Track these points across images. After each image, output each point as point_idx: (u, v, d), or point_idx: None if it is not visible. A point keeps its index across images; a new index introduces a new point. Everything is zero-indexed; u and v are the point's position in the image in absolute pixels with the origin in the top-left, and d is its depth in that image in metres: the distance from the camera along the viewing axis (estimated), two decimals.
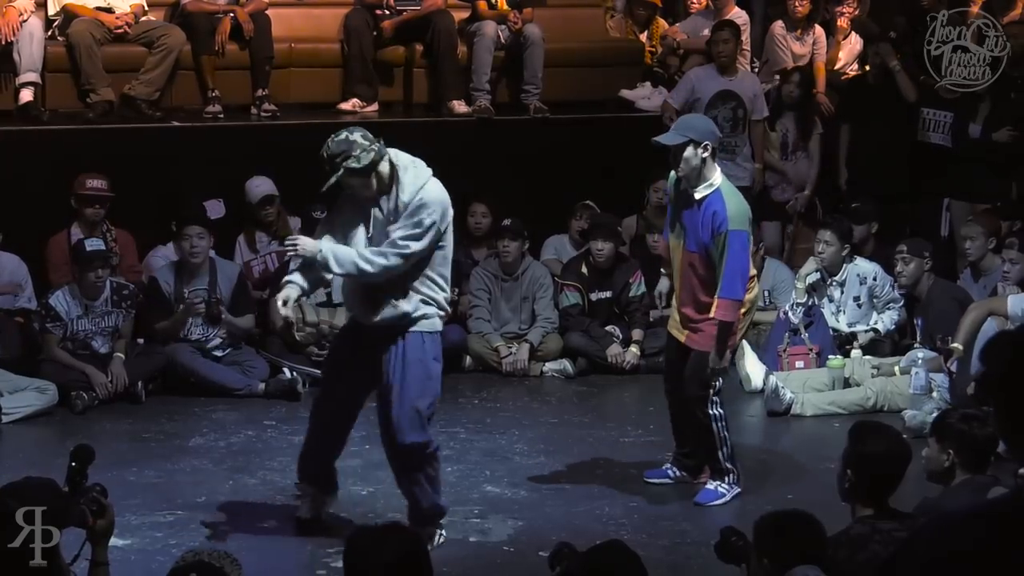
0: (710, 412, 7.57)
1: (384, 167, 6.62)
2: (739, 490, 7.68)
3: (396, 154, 6.71)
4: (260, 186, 10.19)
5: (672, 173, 7.47)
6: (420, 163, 6.75)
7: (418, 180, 6.65)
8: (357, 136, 6.60)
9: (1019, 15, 11.74)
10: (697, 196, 7.32)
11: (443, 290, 6.79)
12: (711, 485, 7.71)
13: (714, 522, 7.28)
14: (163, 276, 9.57)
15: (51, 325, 9.15)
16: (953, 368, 8.55)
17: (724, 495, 7.68)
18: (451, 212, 6.74)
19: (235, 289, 9.63)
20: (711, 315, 7.37)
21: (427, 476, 6.90)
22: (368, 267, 6.61)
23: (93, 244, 9.30)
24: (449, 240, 6.77)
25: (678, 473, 7.93)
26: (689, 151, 7.25)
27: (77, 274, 9.25)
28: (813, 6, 12.07)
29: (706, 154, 7.26)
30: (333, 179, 6.57)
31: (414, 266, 6.66)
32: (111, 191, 9.74)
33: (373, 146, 6.57)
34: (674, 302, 7.70)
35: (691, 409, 7.63)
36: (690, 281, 7.47)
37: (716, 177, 7.34)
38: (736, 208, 7.29)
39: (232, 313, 9.56)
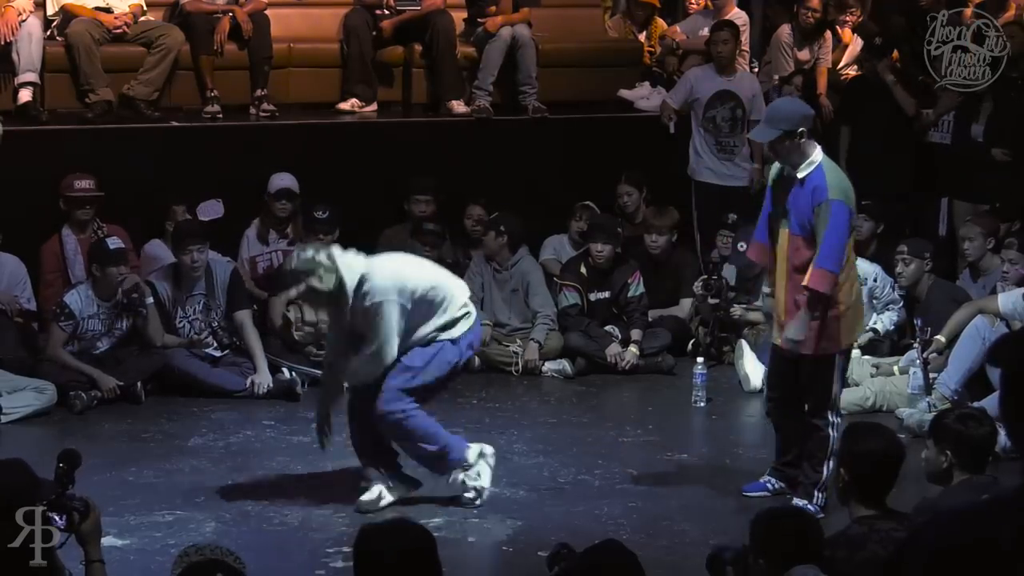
0: (830, 419, 7.34)
1: (338, 288, 7.06)
2: (823, 515, 6.93)
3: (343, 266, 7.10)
4: (284, 179, 10.20)
5: (775, 164, 7.51)
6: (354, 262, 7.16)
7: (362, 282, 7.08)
8: (323, 257, 7.05)
9: (1012, 16, 11.73)
10: (800, 175, 7.22)
11: (442, 312, 7.24)
12: (799, 502, 7.21)
13: (713, 522, 7.30)
14: (160, 283, 9.48)
15: (63, 324, 9.12)
16: (929, 357, 8.71)
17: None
18: (405, 282, 7.13)
19: (229, 287, 9.57)
20: (805, 286, 7.12)
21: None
22: (374, 368, 7.14)
23: (115, 243, 9.29)
24: (414, 284, 7.17)
25: (777, 485, 7.61)
26: (788, 144, 7.21)
27: (97, 272, 9.14)
28: (823, 15, 12.04)
29: (802, 140, 7.19)
30: (294, 291, 7.19)
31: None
32: (99, 190, 9.72)
33: (332, 269, 7.03)
34: (776, 307, 7.43)
35: (811, 416, 7.39)
36: (793, 274, 7.25)
37: (816, 154, 7.25)
38: (836, 180, 7.20)
39: (228, 310, 9.54)
